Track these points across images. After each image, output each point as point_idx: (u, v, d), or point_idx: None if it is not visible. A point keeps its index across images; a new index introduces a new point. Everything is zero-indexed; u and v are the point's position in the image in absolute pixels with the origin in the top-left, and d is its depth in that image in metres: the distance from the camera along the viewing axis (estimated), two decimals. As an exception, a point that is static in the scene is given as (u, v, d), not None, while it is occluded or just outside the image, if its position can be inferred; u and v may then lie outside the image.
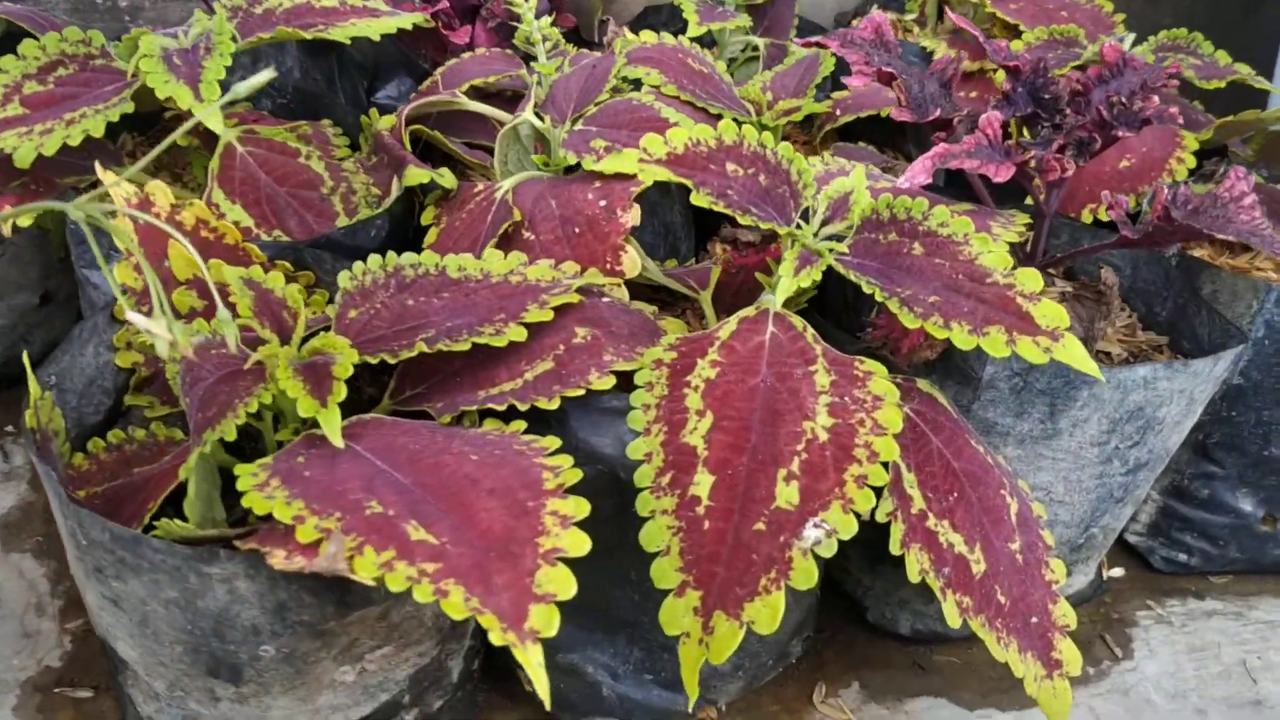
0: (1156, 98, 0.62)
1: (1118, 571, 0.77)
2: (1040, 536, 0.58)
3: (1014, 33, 0.89)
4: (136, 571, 0.47)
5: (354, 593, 0.48)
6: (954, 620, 0.52)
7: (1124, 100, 0.63)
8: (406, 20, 0.75)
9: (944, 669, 0.68)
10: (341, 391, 0.47)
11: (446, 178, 0.68)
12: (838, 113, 0.84)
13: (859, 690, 0.66)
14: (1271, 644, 0.72)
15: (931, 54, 0.93)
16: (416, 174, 0.67)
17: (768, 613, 0.47)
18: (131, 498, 0.52)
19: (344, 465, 0.46)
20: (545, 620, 0.41)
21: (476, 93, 0.77)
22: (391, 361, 0.51)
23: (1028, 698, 0.64)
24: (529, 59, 0.79)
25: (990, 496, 0.56)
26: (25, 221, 0.65)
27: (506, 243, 0.63)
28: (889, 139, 0.92)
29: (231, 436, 0.46)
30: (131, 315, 0.41)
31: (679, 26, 0.97)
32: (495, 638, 0.40)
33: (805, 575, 0.47)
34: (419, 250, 0.66)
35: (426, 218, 0.68)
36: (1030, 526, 0.58)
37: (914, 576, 0.51)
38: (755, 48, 0.95)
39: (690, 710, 0.61)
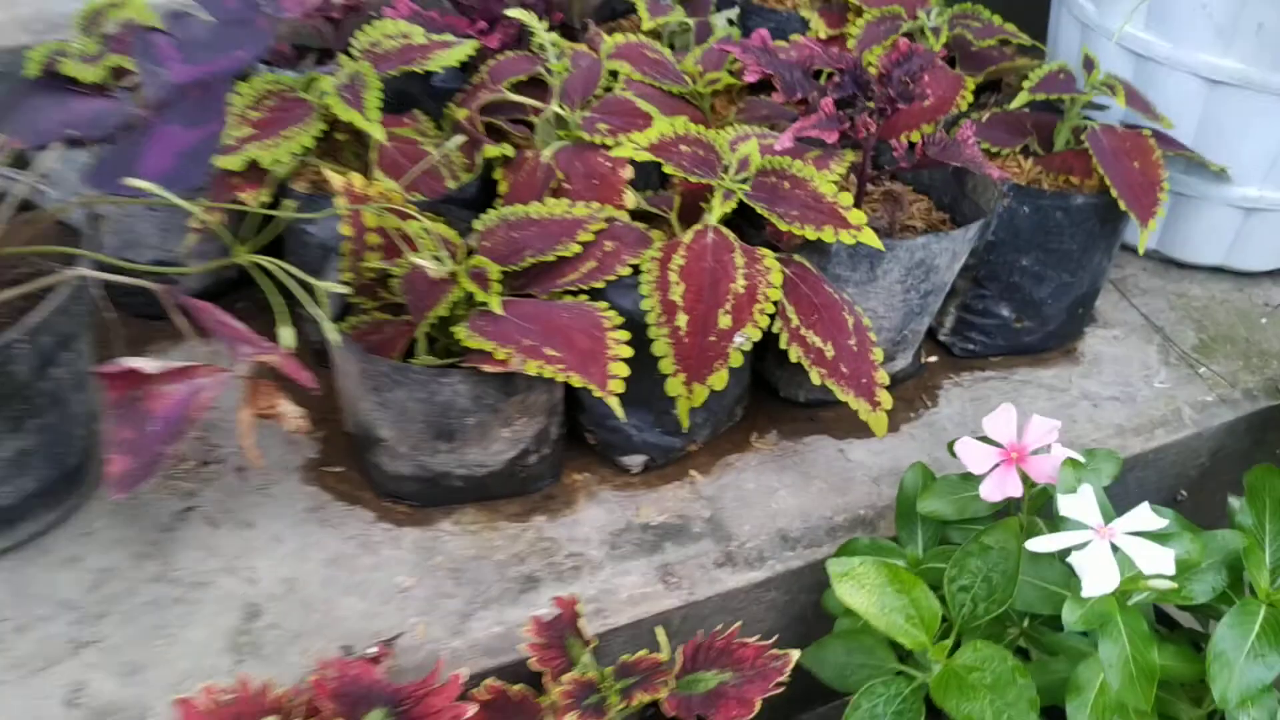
0: (927, 77, 1.07)
1: (933, 358, 1.25)
2: (868, 336, 1.05)
3: (858, 10, 1.32)
4: (401, 386, 0.93)
5: (513, 386, 0.94)
6: (816, 381, 0.99)
7: (909, 78, 1.07)
8: (470, 47, 1.17)
9: (826, 419, 1.16)
10: (498, 288, 0.92)
11: (508, 150, 1.12)
12: (744, 79, 1.28)
13: (776, 434, 1.14)
14: (1023, 394, 1.21)
15: (807, 21, 1.36)
16: (491, 150, 1.10)
17: (718, 379, 0.93)
18: (380, 349, 0.97)
19: (504, 322, 0.92)
20: (616, 385, 0.87)
21: (511, 86, 1.20)
22: (508, 270, 0.96)
23: (871, 431, 1.12)
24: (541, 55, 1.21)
25: (837, 316, 1.02)
26: (265, 196, 1.08)
27: (554, 192, 1.07)
28: (784, 85, 1.35)
29: (446, 312, 0.92)
30: (417, 259, 0.85)
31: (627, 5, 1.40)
32: (596, 393, 0.86)
33: (737, 360, 0.93)
34: (493, 197, 1.11)
35: (497, 175, 1.12)
36: (862, 332, 1.05)
37: (794, 358, 0.98)
38: (688, 25, 1.37)
39: (682, 446, 1.08)
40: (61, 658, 0.91)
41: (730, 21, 1.36)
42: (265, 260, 0.92)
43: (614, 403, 0.87)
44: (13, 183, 0.89)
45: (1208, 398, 1.20)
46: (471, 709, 0.78)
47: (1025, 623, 0.90)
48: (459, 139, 1.04)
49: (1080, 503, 0.82)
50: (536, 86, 1.18)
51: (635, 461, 1.08)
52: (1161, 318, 1.30)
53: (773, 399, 1.18)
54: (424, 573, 1.00)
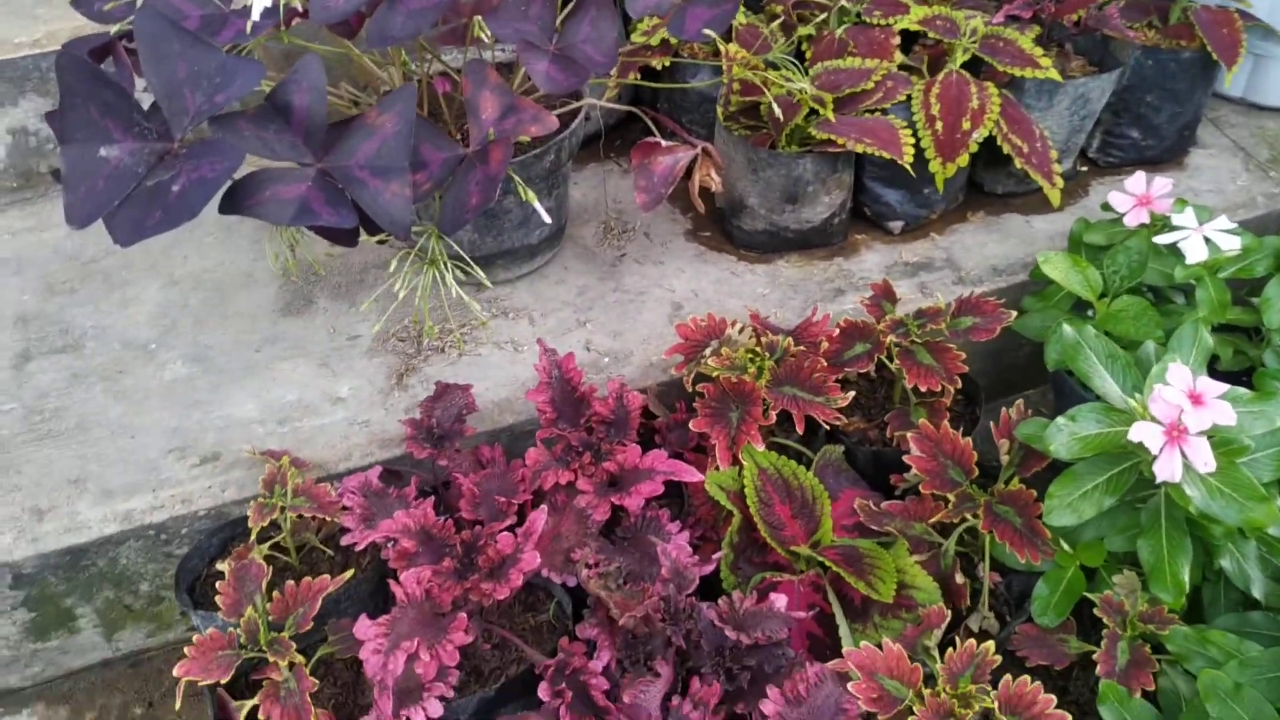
0: (1088, -25, 1.66)
1: (1085, 168, 1.85)
2: (1047, 142, 1.64)
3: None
4: (771, 166, 1.56)
5: (835, 166, 1.57)
6: (1019, 165, 1.59)
7: (1075, -24, 1.66)
8: None
9: (1015, 204, 1.77)
10: (830, 105, 1.54)
11: (812, 30, 1.73)
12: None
13: (983, 213, 1.75)
14: (1146, 190, 1.80)
15: None
16: (803, 30, 1.72)
17: (962, 160, 1.54)
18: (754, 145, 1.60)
19: (837, 125, 1.54)
20: (908, 156, 1.49)
21: None
22: (835, 97, 1.58)
23: (1046, 208, 1.74)
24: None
25: (1029, 128, 1.62)
26: (667, 61, 1.72)
27: (844, 54, 1.68)
28: None
29: (801, 121, 1.54)
30: (781, 92, 1.49)
31: None
32: (898, 161, 1.49)
33: (972, 149, 1.54)
34: (802, 59, 1.73)
35: (804, 46, 1.74)
36: (1044, 139, 1.64)
37: (1006, 151, 1.58)
38: None
39: (925, 215, 1.70)
40: (573, 328, 1.58)
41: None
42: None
43: (905, 164, 1.49)
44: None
45: (1275, 190, 1.78)
46: (834, 332, 1.42)
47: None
48: (777, 21, 1.67)
49: (1185, 216, 1.43)
50: None
51: (896, 226, 1.71)
52: (1244, 142, 1.88)
53: (979, 193, 1.79)
54: (773, 287, 1.64)
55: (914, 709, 1.05)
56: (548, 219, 1.29)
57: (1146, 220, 1.48)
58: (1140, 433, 1.08)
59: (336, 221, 1.11)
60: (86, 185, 1.06)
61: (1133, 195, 1.50)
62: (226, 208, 1.13)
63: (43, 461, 1.43)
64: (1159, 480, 1.08)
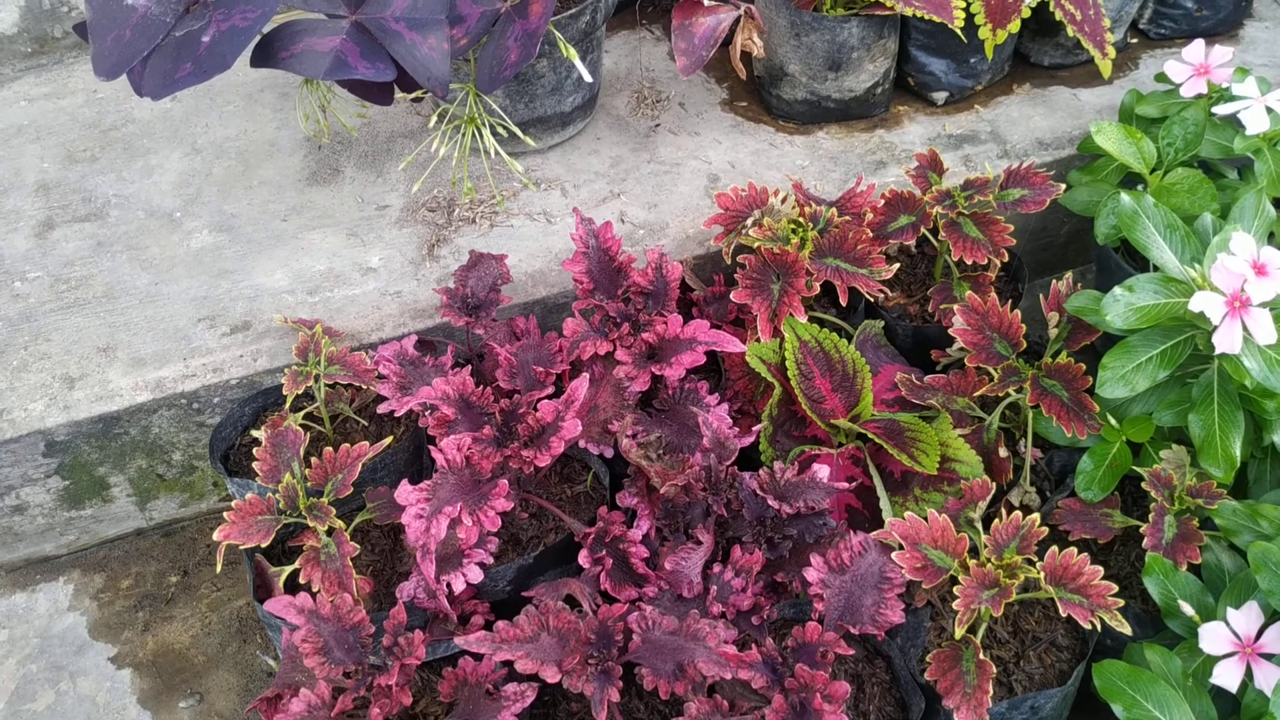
0: None
1: (1134, 40, 1.78)
2: (1101, 10, 1.58)
3: None
4: (815, 30, 1.50)
5: (881, 32, 1.51)
6: (1070, 34, 1.53)
7: None
8: None
9: (1063, 77, 1.71)
10: (877, -34, 1.48)
11: None
12: None
13: (1030, 85, 1.69)
14: (1198, 62, 1.73)
15: None
16: None
17: (1013, 26, 1.48)
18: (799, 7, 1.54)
19: None
20: (959, 19, 1.43)
21: None
22: None
23: (1095, 82, 1.67)
24: None
25: (1083, -6, 1.56)
26: None
27: None
28: None
29: (843, -16, 1.48)
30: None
31: None
32: (947, 24, 1.43)
33: (1024, 14, 1.48)
34: None
35: None
36: (1097, 7, 1.58)
37: (1058, 18, 1.52)
38: None
39: (971, 86, 1.65)
40: (607, 199, 1.54)
41: None
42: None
43: (956, 28, 1.43)
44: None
45: (1333, 64, 1.72)
46: (879, 204, 1.38)
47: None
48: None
49: (1246, 86, 1.37)
50: None
51: (940, 96, 1.65)
52: (1303, 14, 1.81)
53: (1026, 64, 1.73)
54: (813, 159, 1.60)
55: (958, 578, 1.04)
56: (588, 76, 1.25)
57: (1204, 91, 1.43)
58: (1201, 302, 1.05)
59: (373, 75, 1.06)
60: (113, 35, 1.02)
61: (1190, 65, 1.44)
62: (259, 60, 1.08)
63: (71, 330, 1.41)
64: (1218, 351, 1.05)
